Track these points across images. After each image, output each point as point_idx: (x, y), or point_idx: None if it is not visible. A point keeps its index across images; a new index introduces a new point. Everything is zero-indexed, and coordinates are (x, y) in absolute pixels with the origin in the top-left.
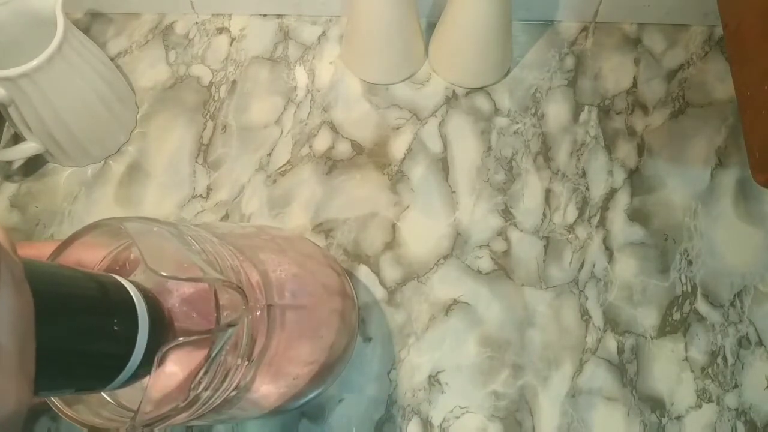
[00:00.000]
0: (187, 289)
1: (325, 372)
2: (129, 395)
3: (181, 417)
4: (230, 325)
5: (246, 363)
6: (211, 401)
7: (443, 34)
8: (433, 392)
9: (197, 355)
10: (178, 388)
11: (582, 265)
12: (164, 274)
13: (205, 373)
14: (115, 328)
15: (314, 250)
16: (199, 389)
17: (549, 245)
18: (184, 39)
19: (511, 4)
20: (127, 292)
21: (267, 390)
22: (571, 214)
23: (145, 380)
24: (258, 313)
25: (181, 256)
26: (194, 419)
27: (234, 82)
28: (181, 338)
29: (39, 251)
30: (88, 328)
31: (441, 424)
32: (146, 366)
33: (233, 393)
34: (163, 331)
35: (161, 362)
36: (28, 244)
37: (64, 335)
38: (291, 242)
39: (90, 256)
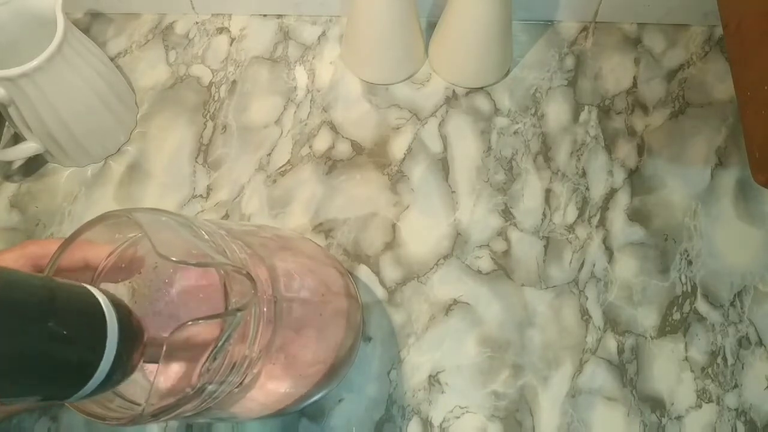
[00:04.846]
0: (196, 277)
1: (330, 373)
2: (136, 390)
3: (188, 407)
4: (239, 309)
5: (253, 355)
6: (217, 393)
7: (443, 34)
8: (433, 392)
9: (205, 345)
10: (187, 379)
11: (582, 265)
12: (174, 259)
13: (214, 359)
14: (81, 336)
15: (316, 250)
16: (208, 376)
17: (549, 245)
18: (184, 39)
19: (511, 4)
20: (97, 301)
21: (272, 388)
22: (571, 214)
23: (154, 371)
24: (265, 307)
25: (190, 244)
26: (199, 414)
27: (234, 82)
28: (189, 321)
29: (44, 248)
30: (51, 336)
31: (441, 424)
32: (118, 375)
33: (237, 389)
34: (135, 341)
35: (169, 354)
36: (33, 242)
37: (26, 344)
38: (293, 242)
39: (95, 254)
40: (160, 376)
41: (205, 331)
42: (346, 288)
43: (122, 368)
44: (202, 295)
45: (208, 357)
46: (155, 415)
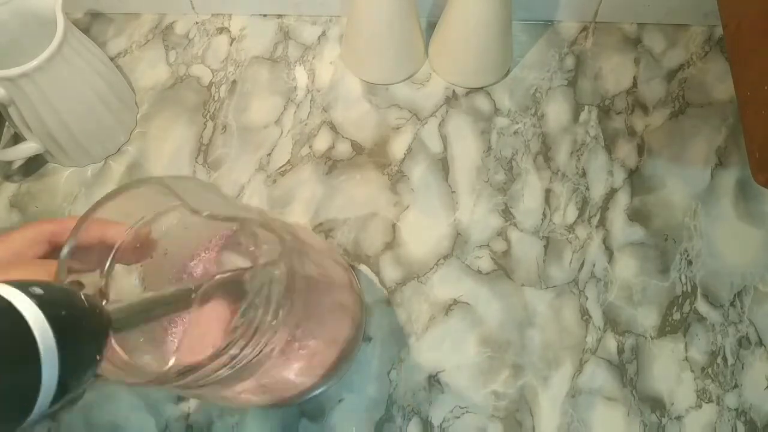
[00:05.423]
0: (206, 265)
1: (334, 363)
2: (162, 352)
3: (212, 368)
4: (268, 263)
5: (273, 322)
6: (239, 358)
7: (443, 34)
8: (433, 392)
9: (232, 306)
10: (213, 339)
11: (582, 265)
12: (205, 213)
13: (243, 316)
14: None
15: (322, 243)
16: (237, 334)
17: (549, 245)
18: (184, 39)
19: (511, 4)
20: (22, 320)
21: (284, 367)
22: (571, 214)
23: (179, 331)
24: (285, 276)
25: (219, 202)
26: (217, 384)
27: (234, 82)
28: (218, 276)
29: (61, 226)
30: None
31: (441, 424)
32: (75, 383)
33: (255, 359)
34: (92, 342)
35: (202, 304)
36: (49, 220)
37: None
38: (300, 230)
39: (112, 232)
40: (186, 338)
41: (232, 293)
42: (350, 282)
43: (80, 375)
44: (229, 252)
45: (238, 312)
46: (181, 374)
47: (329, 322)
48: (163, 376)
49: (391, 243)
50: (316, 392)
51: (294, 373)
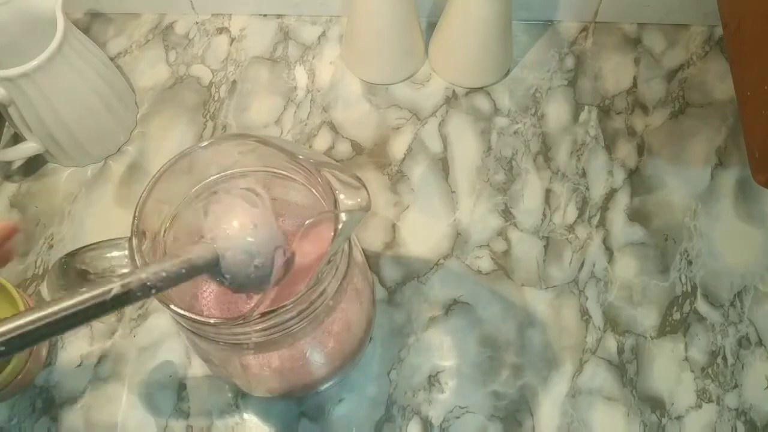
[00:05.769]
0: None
1: (347, 356)
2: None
3: (291, 313)
4: (349, 210)
5: (335, 278)
6: (307, 311)
7: (443, 34)
8: (433, 392)
9: (316, 254)
10: (300, 282)
11: (582, 265)
12: (301, 157)
13: (329, 261)
14: None
15: None
16: (320, 277)
17: (549, 245)
18: (184, 39)
19: (511, 4)
20: None
21: (321, 343)
22: (571, 214)
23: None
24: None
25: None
26: (282, 337)
27: (234, 82)
28: (308, 221)
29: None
30: None
31: (441, 424)
32: None
33: (309, 320)
34: None
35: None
36: None
37: None
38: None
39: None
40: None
41: (315, 241)
42: (366, 267)
43: None
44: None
45: (324, 258)
46: (264, 314)
47: (353, 303)
48: (248, 316)
49: (391, 243)
50: (322, 388)
51: (324, 351)
